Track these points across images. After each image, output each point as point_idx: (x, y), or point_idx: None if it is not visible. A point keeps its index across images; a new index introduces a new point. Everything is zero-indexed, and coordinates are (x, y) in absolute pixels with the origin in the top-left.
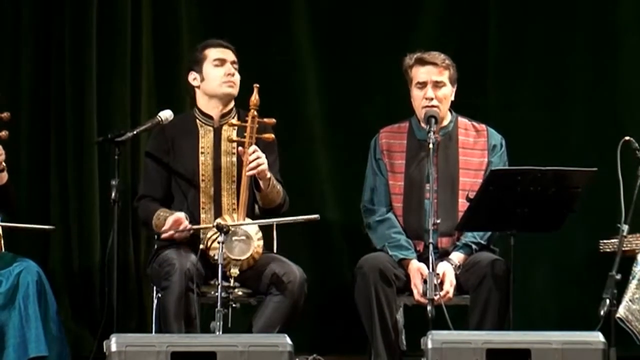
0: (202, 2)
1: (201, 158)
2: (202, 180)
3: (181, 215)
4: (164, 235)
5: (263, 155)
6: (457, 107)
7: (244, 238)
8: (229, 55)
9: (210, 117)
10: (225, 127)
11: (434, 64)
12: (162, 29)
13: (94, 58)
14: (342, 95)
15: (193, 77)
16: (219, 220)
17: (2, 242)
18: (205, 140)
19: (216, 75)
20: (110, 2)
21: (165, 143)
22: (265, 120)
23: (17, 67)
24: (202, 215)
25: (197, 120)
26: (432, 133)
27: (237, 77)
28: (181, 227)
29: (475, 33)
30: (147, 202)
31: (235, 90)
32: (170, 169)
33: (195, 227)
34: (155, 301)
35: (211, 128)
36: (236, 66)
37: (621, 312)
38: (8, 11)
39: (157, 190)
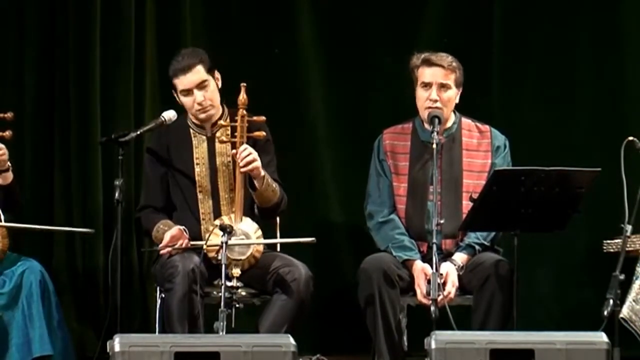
0: (206, 2)
1: (197, 169)
2: (200, 192)
3: (178, 229)
4: (162, 252)
5: (255, 154)
6: (461, 107)
7: (243, 238)
8: (193, 77)
9: (202, 127)
10: (218, 134)
11: (441, 66)
12: (166, 29)
13: (97, 58)
14: (345, 95)
15: (176, 95)
16: (222, 219)
17: (8, 241)
18: (200, 150)
19: (188, 104)
20: (114, 3)
21: (162, 151)
22: (255, 118)
23: (21, 67)
24: (203, 226)
25: (191, 130)
26: (435, 133)
27: (208, 99)
28: (178, 244)
29: (479, 33)
30: (148, 214)
31: (211, 112)
32: (169, 177)
33: (193, 242)
34: (158, 301)
35: (204, 137)
36: (206, 84)
37: (625, 312)
38: (12, 12)
39: (157, 200)
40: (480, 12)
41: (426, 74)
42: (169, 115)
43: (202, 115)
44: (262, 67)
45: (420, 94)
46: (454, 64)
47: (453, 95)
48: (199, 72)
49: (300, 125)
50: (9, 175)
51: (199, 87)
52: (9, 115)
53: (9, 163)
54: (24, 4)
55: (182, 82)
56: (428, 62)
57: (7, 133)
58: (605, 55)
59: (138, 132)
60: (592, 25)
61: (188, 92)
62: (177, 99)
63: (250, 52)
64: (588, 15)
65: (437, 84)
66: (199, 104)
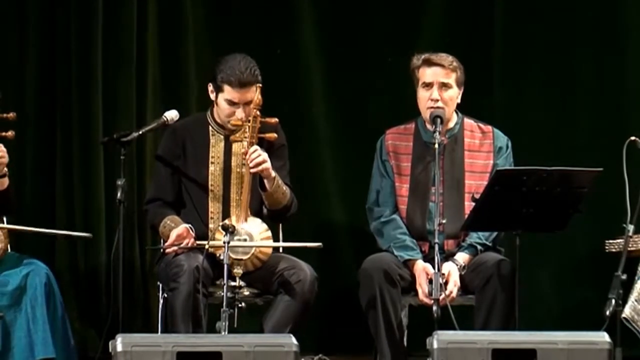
0: (208, 2)
1: (211, 168)
2: (211, 190)
3: (185, 228)
4: (167, 250)
5: (265, 155)
6: (463, 107)
7: (246, 238)
8: (248, 95)
9: (223, 127)
10: (236, 135)
11: (441, 65)
12: (168, 29)
13: (99, 58)
14: (347, 95)
15: (211, 90)
16: (225, 221)
17: (9, 242)
18: (216, 149)
19: (225, 111)
20: (116, 2)
21: (177, 147)
22: (268, 119)
23: (22, 67)
24: (211, 225)
25: (210, 127)
26: (437, 133)
27: (247, 115)
28: (183, 244)
29: (481, 33)
30: (156, 207)
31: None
32: (181, 174)
33: (199, 242)
34: (161, 301)
35: (222, 137)
36: (252, 100)
37: (627, 312)
38: (13, 12)
39: (167, 194)
40: (481, 12)
41: (427, 73)
42: (171, 115)
43: (231, 126)
44: (264, 67)
45: (422, 94)
46: (454, 63)
47: (454, 94)
48: (254, 91)
49: (301, 126)
50: (5, 181)
51: (246, 103)
52: (11, 115)
53: (6, 169)
54: (25, 3)
55: (236, 94)
56: (428, 62)
57: (10, 133)
58: (607, 55)
59: (140, 132)
60: (594, 25)
61: (234, 103)
62: (212, 97)
63: (251, 52)
64: (590, 15)
65: (438, 83)
66: (238, 118)
